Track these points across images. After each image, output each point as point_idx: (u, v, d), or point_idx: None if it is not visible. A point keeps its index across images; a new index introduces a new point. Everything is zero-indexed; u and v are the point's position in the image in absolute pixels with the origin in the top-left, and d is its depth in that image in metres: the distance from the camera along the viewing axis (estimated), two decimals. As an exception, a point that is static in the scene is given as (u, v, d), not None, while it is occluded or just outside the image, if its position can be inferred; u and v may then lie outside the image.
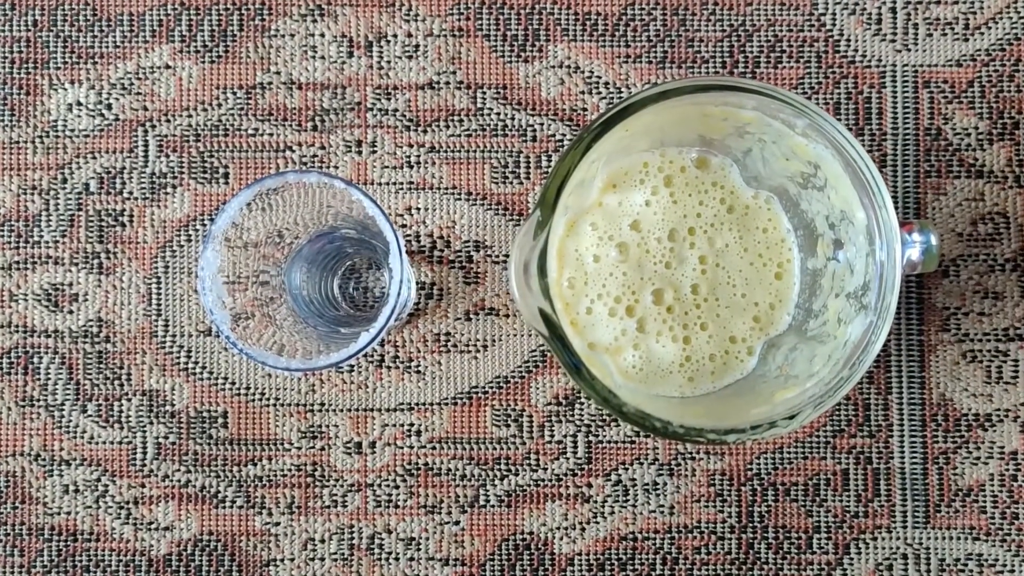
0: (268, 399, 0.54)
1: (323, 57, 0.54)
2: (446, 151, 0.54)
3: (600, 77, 0.54)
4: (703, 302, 0.44)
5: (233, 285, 0.43)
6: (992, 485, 0.53)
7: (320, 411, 0.54)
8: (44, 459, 0.53)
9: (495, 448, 0.54)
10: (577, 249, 0.45)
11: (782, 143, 0.42)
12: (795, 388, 0.40)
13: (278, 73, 0.54)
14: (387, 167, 0.54)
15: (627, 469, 0.53)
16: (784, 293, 0.44)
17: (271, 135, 0.54)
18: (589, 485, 0.53)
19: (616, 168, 0.44)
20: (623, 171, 0.44)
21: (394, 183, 0.54)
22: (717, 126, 0.43)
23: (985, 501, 0.53)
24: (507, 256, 0.53)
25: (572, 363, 0.37)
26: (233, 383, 0.54)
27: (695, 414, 0.42)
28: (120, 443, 0.54)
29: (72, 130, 0.54)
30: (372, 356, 0.54)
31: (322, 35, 0.54)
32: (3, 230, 0.54)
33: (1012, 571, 0.53)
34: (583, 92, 0.54)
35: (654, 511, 0.53)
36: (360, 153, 0.54)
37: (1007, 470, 0.54)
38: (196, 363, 0.54)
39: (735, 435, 0.37)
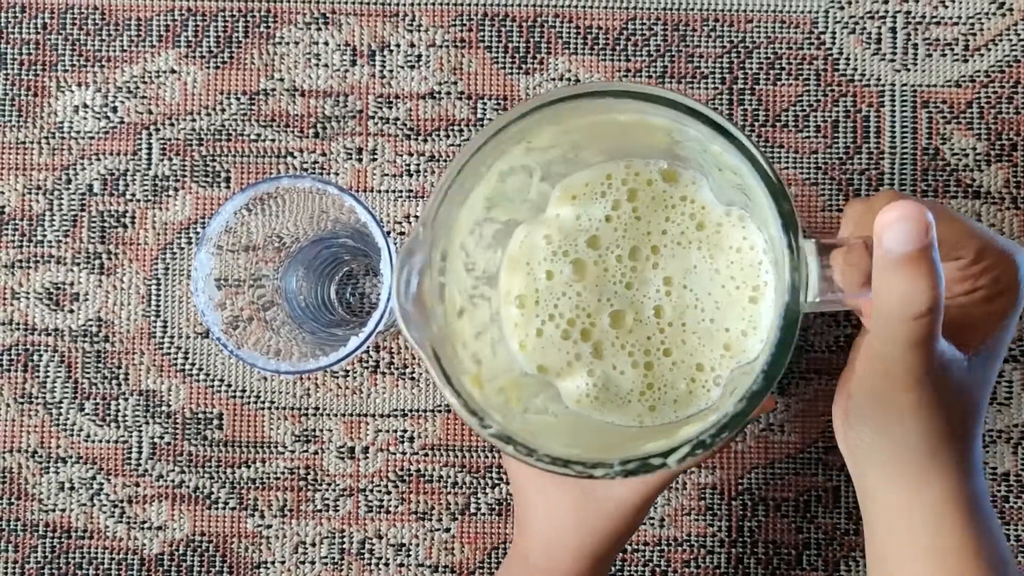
0: (263, 402, 0.54)
1: (326, 65, 0.55)
2: (446, 160, 0.55)
3: (600, 90, 0.55)
4: (667, 327, 0.40)
5: (230, 288, 0.44)
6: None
7: (314, 415, 0.54)
8: (41, 456, 0.54)
9: (487, 456, 0.54)
10: (529, 263, 0.40)
11: (707, 152, 0.37)
12: (699, 424, 0.35)
13: (281, 80, 0.55)
14: (387, 175, 0.55)
15: (618, 481, 0.53)
16: (758, 319, 0.39)
17: (273, 141, 0.55)
18: (580, 496, 0.54)
19: (576, 179, 0.40)
20: (583, 182, 0.40)
21: (394, 191, 0.55)
22: (654, 137, 0.38)
23: (976, 522, 0.53)
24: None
25: (444, 375, 0.34)
26: (229, 385, 0.54)
27: (598, 445, 0.37)
28: (116, 442, 0.54)
29: (78, 132, 0.55)
30: (367, 362, 0.54)
31: (326, 43, 0.55)
32: (7, 229, 0.55)
33: (1002, 593, 0.53)
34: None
35: (644, 523, 0.53)
36: (360, 160, 0.55)
37: (999, 491, 0.53)
38: (193, 365, 0.54)
39: (602, 469, 0.32)
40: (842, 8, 0.55)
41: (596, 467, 0.32)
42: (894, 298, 0.31)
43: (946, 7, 0.55)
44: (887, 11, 0.55)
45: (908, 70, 0.55)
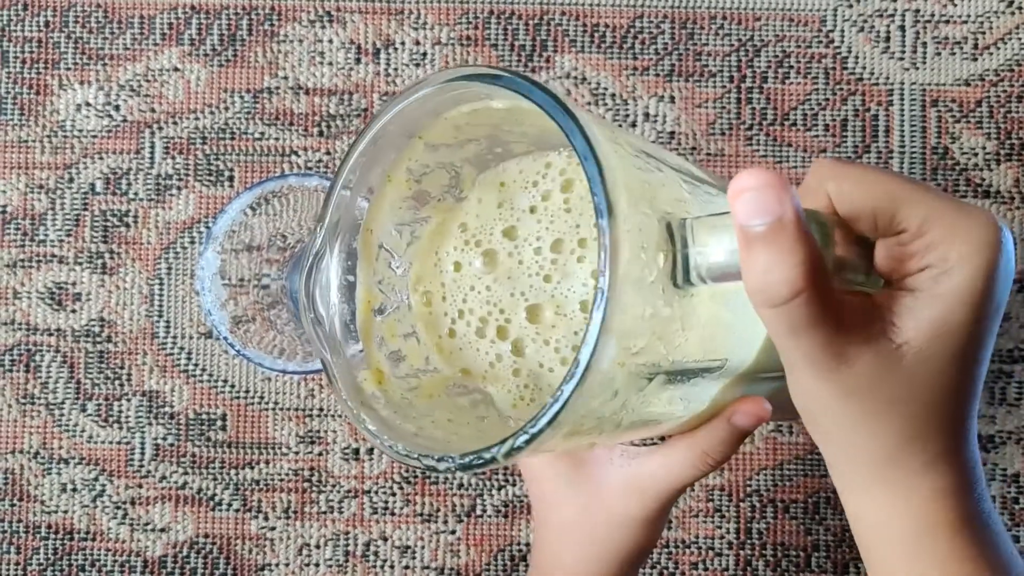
0: (267, 403, 0.54)
1: (331, 63, 0.54)
2: (451, 159, 0.54)
3: (607, 88, 0.54)
4: None
5: (235, 288, 0.43)
6: (995, 506, 0.53)
7: (319, 416, 0.54)
8: (43, 457, 0.54)
9: (493, 458, 0.53)
10: (437, 253, 0.37)
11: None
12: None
13: (286, 78, 0.54)
14: (392, 174, 0.54)
15: (625, 482, 0.53)
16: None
17: (277, 139, 0.54)
18: (586, 497, 0.53)
19: (511, 167, 0.37)
20: (518, 170, 0.36)
21: (398, 190, 0.54)
22: (548, 121, 0.33)
23: (986, 524, 0.53)
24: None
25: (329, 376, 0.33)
26: (233, 386, 0.54)
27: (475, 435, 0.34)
28: (119, 443, 0.54)
29: (80, 130, 0.54)
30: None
31: (330, 41, 0.55)
32: (9, 228, 0.54)
33: (1012, 595, 0.53)
34: (590, 103, 0.54)
35: (651, 525, 0.53)
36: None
37: (1009, 493, 0.53)
38: (196, 365, 0.54)
39: (445, 463, 0.30)
40: (851, 6, 0.54)
41: (441, 460, 0.30)
42: (752, 282, 0.26)
43: (955, 5, 0.54)
44: (896, 9, 0.54)
45: (917, 69, 0.54)
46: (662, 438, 0.39)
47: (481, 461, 0.29)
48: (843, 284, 0.29)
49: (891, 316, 0.28)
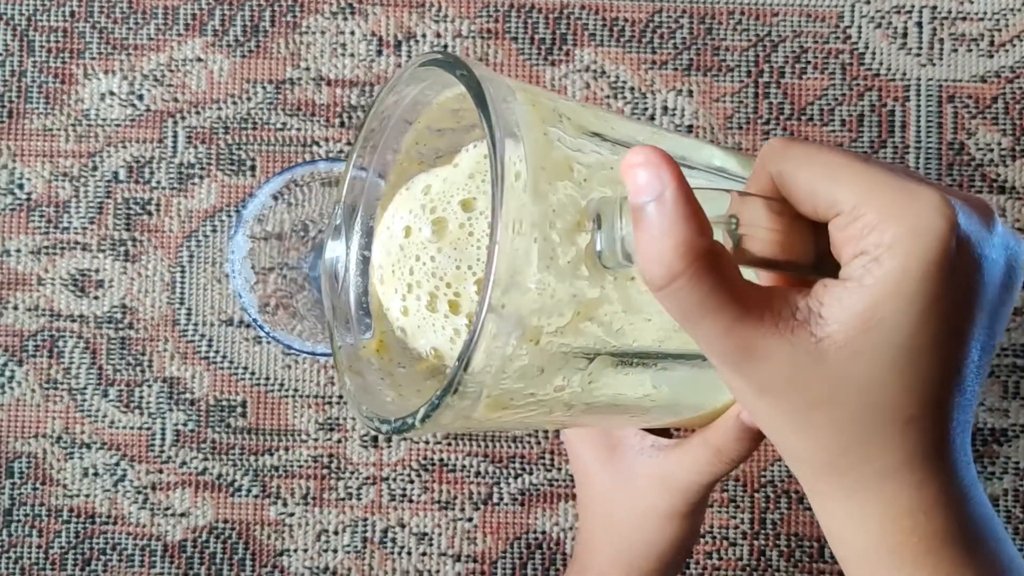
0: (287, 390, 0.54)
1: (352, 55, 0.55)
2: (471, 151, 0.55)
3: (625, 82, 0.55)
4: None
5: (260, 274, 0.44)
6: (1006, 500, 0.53)
7: (338, 403, 0.54)
8: (65, 441, 0.54)
9: (510, 446, 0.54)
10: (392, 216, 0.34)
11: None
12: None
13: (308, 69, 0.55)
14: (412, 165, 0.55)
15: (640, 472, 0.54)
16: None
17: (298, 130, 0.55)
18: (602, 486, 0.54)
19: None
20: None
21: (418, 181, 0.55)
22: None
23: (999, 516, 0.53)
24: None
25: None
26: (253, 373, 0.54)
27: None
28: (140, 428, 0.54)
29: (104, 119, 0.55)
30: (391, 351, 0.54)
31: (352, 33, 0.55)
32: (33, 215, 0.55)
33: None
34: (608, 96, 0.55)
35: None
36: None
37: (1021, 486, 0.53)
38: (217, 352, 0.54)
39: (387, 425, 0.30)
40: (868, 2, 0.55)
41: (383, 423, 0.31)
42: (637, 262, 0.25)
43: (972, 2, 0.55)
44: (913, 5, 0.55)
45: (934, 65, 0.55)
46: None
47: (405, 426, 0.30)
48: (794, 275, 0.27)
49: (819, 308, 0.25)
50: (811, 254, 0.26)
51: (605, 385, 0.31)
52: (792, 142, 0.26)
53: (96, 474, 0.54)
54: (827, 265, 0.26)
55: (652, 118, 0.55)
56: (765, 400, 0.26)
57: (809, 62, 0.55)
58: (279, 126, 0.55)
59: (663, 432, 0.38)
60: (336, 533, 0.54)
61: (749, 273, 0.27)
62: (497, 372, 0.28)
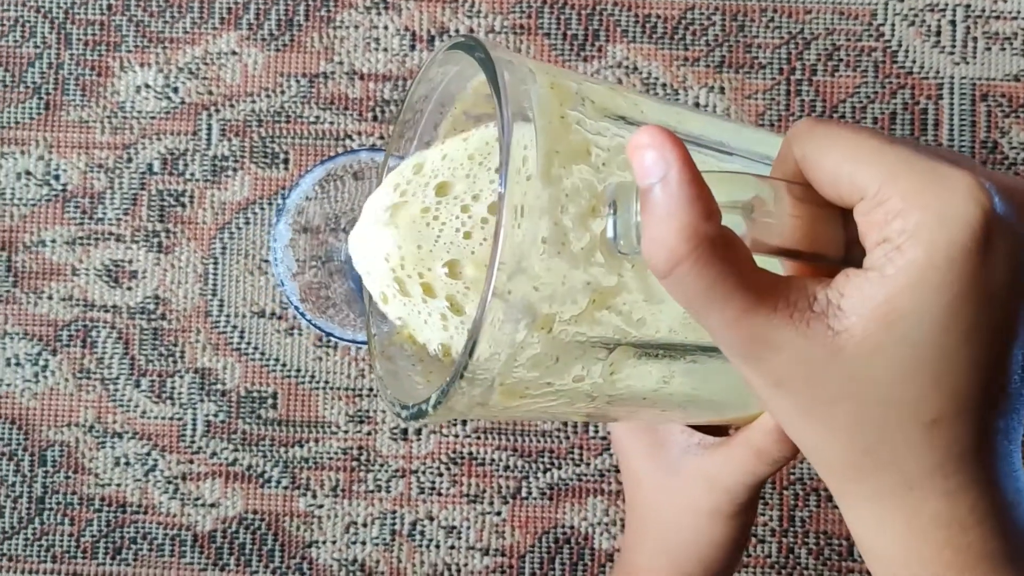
0: (318, 382, 0.54)
1: (386, 49, 0.55)
2: (502, 146, 0.55)
3: (658, 78, 0.55)
4: None
5: (298, 265, 0.44)
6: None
7: (368, 396, 0.54)
8: (98, 431, 0.55)
9: (539, 441, 0.54)
10: (374, 196, 0.34)
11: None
12: None
13: (341, 63, 0.55)
14: (444, 159, 0.55)
15: (669, 468, 0.54)
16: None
17: (332, 123, 0.55)
18: (631, 482, 0.54)
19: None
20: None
21: (450, 175, 0.55)
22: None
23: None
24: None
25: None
26: (284, 365, 0.54)
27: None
28: (171, 419, 0.55)
29: (139, 111, 0.55)
30: (421, 344, 0.55)
31: (385, 28, 0.55)
32: (69, 206, 0.55)
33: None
34: (640, 93, 0.55)
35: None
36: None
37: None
38: (248, 344, 0.55)
39: (406, 411, 0.30)
40: (901, 0, 0.55)
41: (404, 409, 0.31)
42: (644, 246, 0.23)
43: (1006, 1, 0.54)
44: (947, 4, 0.55)
45: (967, 63, 0.55)
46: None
47: (419, 412, 0.30)
48: (819, 265, 0.25)
49: (839, 299, 0.23)
50: (838, 243, 0.25)
51: (629, 376, 0.31)
52: (818, 123, 0.24)
53: (128, 463, 0.55)
54: (857, 255, 0.24)
55: (684, 114, 0.55)
56: (779, 394, 0.24)
57: (842, 60, 0.55)
58: (312, 119, 0.55)
59: (714, 430, 0.37)
60: (365, 525, 0.54)
61: (774, 263, 0.26)
62: (508, 360, 0.28)
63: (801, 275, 0.25)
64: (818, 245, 0.25)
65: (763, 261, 0.25)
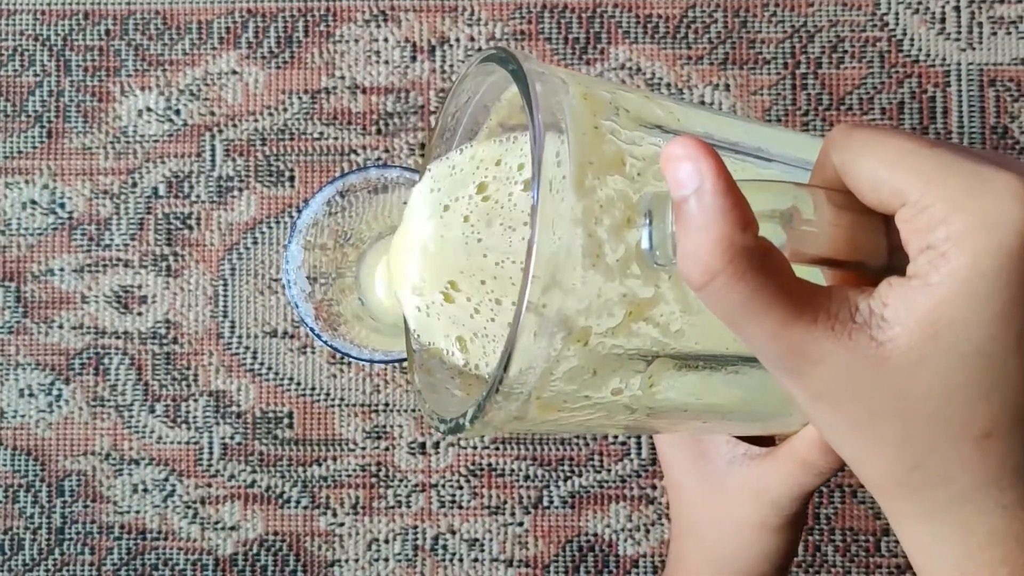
0: (333, 400, 0.54)
1: (387, 61, 0.55)
2: (508, 153, 0.55)
3: (662, 78, 0.54)
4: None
5: (311, 284, 0.44)
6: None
7: (384, 411, 0.54)
8: (114, 458, 0.54)
9: (559, 449, 0.54)
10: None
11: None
12: None
13: (343, 78, 0.55)
14: (450, 170, 0.55)
15: (691, 470, 0.53)
16: None
17: (336, 139, 0.55)
18: (653, 487, 0.53)
19: None
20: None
21: (457, 185, 0.55)
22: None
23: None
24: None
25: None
26: (299, 384, 0.54)
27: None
28: (187, 443, 0.54)
29: (142, 135, 0.55)
30: (435, 357, 0.54)
31: (386, 40, 0.55)
32: (76, 233, 0.55)
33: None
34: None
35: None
36: (423, 156, 0.55)
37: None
38: (262, 364, 0.54)
39: (444, 425, 0.30)
40: (904, -12, 0.54)
41: (442, 423, 0.30)
42: (679, 260, 0.23)
43: (1010, -16, 0.54)
44: (950, -10, 0.54)
45: (974, 49, 0.54)
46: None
47: (457, 426, 0.29)
48: (863, 274, 0.25)
49: (882, 310, 0.22)
50: (881, 251, 0.24)
51: (669, 388, 0.30)
52: (856, 128, 0.24)
53: (146, 490, 0.54)
54: (901, 262, 0.23)
55: (690, 114, 0.54)
56: (821, 408, 0.24)
57: (846, 51, 0.54)
58: (316, 136, 0.55)
59: (760, 439, 0.36)
60: (387, 542, 0.54)
61: (816, 273, 0.26)
62: (544, 373, 0.27)
63: (844, 285, 0.24)
64: (860, 253, 0.24)
65: (805, 271, 0.24)
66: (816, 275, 0.26)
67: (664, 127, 0.30)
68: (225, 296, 0.55)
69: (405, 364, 0.52)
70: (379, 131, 0.55)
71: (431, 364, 0.34)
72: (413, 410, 0.54)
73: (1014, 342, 0.22)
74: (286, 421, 0.54)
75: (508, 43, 0.55)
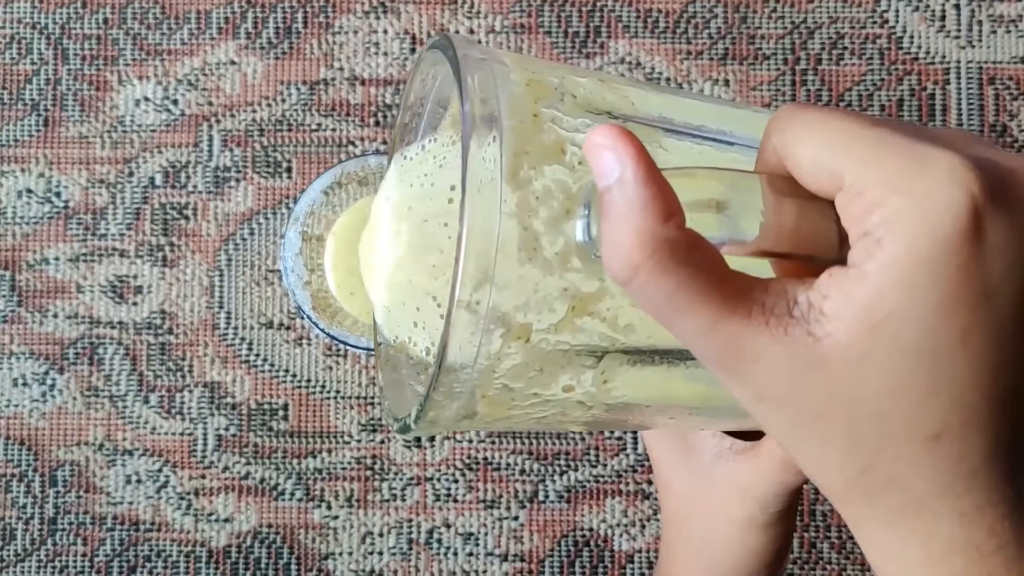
0: (329, 392, 0.54)
1: (386, 53, 0.55)
2: (507, 146, 0.54)
3: (661, 73, 0.54)
4: None
5: (308, 272, 0.44)
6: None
7: (380, 404, 0.54)
8: (108, 449, 0.54)
9: (555, 443, 0.53)
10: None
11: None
12: None
13: (341, 69, 0.55)
14: (448, 162, 0.54)
15: (687, 466, 0.53)
16: None
17: (334, 130, 0.54)
18: (649, 482, 0.53)
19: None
20: None
21: (455, 178, 0.54)
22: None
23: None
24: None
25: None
26: (294, 376, 0.54)
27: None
28: (181, 434, 0.54)
29: (139, 125, 0.55)
30: (432, 350, 0.54)
31: (385, 31, 0.55)
32: (71, 223, 0.55)
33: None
34: (639, 84, 0.54)
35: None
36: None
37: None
38: (257, 355, 0.54)
39: (397, 423, 0.29)
40: (905, -14, 0.54)
41: (396, 420, 0.30)
42: (602, 254, 0.22)
43: (1010, -17, 0.54)
44: (950, -12, 0.54)
45: (973, 47, 0.54)
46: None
47: (403, 425, 0.29)
48: (810, 265, 0.23)
49: (821, 302, 0.21)
50: (830, 240, 0.22)
51: (625, 384, 0.29)
52: (800, 108, 0.22)
53: (139, 481, 0.54)
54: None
55: (689, 108, 0.54)
56: (763, 409, 0.22)
57: (846, 48, 0.54)
58: (314, 127, 0.55)
59: (748, 432, 0.35)
60: (381, 535, 0.54)
61: (765, 267, 0.24)
62: (486, 371, 0.26)
63: (789, 277, 0.22)
64: (806, 244, 0.22)
65: (754, 266, 0.23)
66: (766, 269, 0.24)
67: (614, 112, 0.29)
68: (221, 287, 0.54)
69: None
70: (377, 123, 0.55)
71: (397, 359, 0.33)
72: (409, 403, 0.54)
73: (958, 335, 0.20)
74: (281, 413, 0.54)
75: (507, 36, 0.55)
